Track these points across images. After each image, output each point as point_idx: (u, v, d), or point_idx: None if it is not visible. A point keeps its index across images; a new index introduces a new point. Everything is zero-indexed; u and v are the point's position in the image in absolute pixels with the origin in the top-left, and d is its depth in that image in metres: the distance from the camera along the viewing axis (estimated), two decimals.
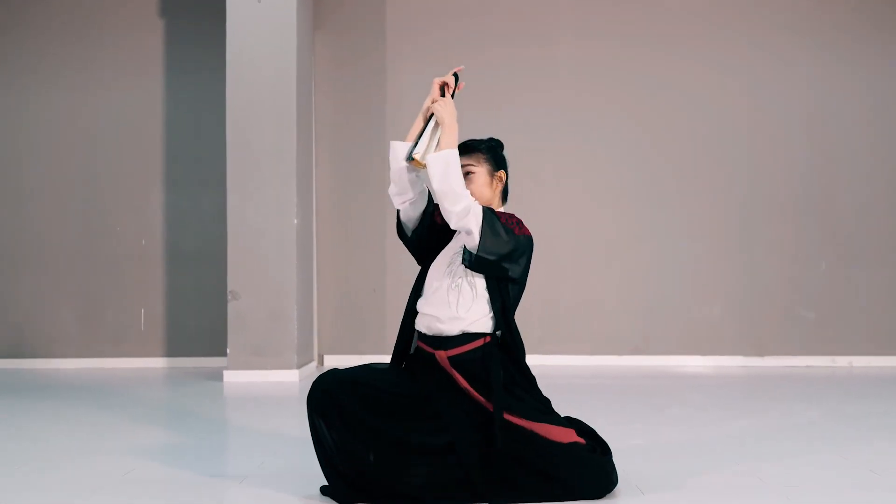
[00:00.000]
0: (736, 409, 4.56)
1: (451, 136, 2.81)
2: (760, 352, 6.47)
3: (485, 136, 3.14)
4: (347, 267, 6.66)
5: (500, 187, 3.02)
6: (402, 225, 2.98)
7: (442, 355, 2.77)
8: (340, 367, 2.85)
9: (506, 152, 3.14)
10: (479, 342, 2.76)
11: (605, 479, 2.70)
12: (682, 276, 6.54)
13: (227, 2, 5.81)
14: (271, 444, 3.69)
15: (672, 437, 3.75)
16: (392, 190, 2.91)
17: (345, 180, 6.68)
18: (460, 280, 2.79)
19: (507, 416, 2.68)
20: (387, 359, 6.36)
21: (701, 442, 3.63)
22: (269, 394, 5.21)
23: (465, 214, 2.71)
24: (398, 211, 2.95)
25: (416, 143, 2.85)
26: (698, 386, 5.46)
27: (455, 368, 2.75)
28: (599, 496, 2.69)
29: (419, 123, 2.92)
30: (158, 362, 6.58)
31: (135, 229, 6.66)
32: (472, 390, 2.72)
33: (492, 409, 2.67)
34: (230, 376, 5.73)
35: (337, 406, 2.68)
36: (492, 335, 2.78)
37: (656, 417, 4.31)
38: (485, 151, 2.99)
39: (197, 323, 6.59)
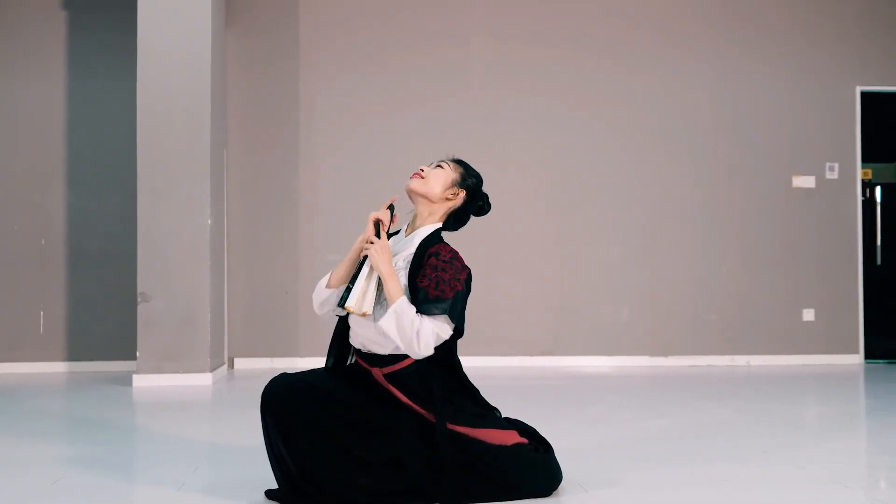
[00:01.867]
0: (652, 409, 4.77)
1: (392, 284, 2.70)
2: (665, 352, 6.75)
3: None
4: (258, 269, 6.62)
5: (449, 204, 2.95)
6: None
7: (377, 372, 2.78)
8: (288, 371, 2.87)
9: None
10: (412, 359, 2.74)
11: (551, 476, 2.81)
12: (592, 279, 6.76)
13: None
14: (200, 450, 3.66)
15: (600, 436, 3.90)
16: (314, 304, 2.91)
17: (256, 182, 6.64)
18: (385, 302, 2.72)
19: (449, 426, 2.72)
20: (302, 362, 6.38)
21: (628, 440, 3.80)
22: (183, 398, 5.14)
23: (426, 347, 2.66)
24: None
25: (349, 289, 2.72)
26: (611, 386, 5.67)
27: (392, 384, 2.76)
28: (547, 494, 2.79)
29: (349, 262, 2.86)
30: (59, 367, 6.39)
31: (33, 229, 6.45)
32: (411, 404, 2.76)
33: (433, 421, 2.72)
34: (140, 380, 5.61)
35: (289, 409, 2.70)
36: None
37: (578, 417, 4.47)
38: (463, 167, 3.01)
39: (101, 326, 6.43)
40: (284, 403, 2.71)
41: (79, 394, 5.40)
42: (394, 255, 2.87)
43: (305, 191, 6.65)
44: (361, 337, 2.80)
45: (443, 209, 2.95)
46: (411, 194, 2.93)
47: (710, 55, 6.91)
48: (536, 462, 2.80)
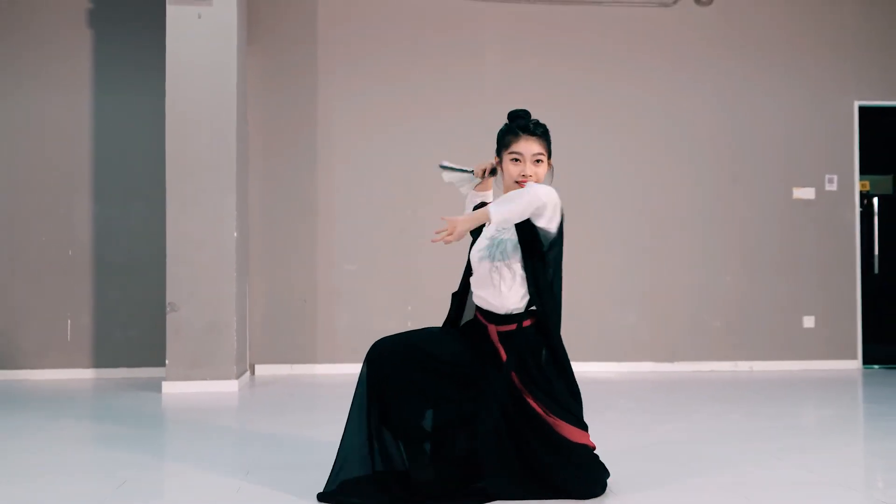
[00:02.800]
0: (666, 413, 5.08)
1: (479, 215, 3.04)
2: (670, 358, 7.07)
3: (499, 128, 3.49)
4: (277, 278, 6.90)
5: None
6: None
7: (493, 329, 3.15)
8: (392, 334, 3.22)
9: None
10: (526, 322, 3.11)
11: (596, 484, 3.07)
12: (598, 285, 7.08)
13: (167, 15, 5.97)
14: (244, 451, 3.95)
15: (621, 441, 4.21)
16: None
17: (276, 193, 6.92)
18: (499, 263, 3.14)
19: (527, 399, 3.03)
20: (319, 368, 6.67)
21: (648, 444, 4.11)
22: (212, 404, 5.42)
23: (530, 206, 3.03)
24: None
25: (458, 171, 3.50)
26: (621, 391, 5.98)
27: (502, 343, 3.11)
28: (585, 497, 3.08)
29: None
30: (85, 373, 6.66)
31: (61, 239, 6.72)
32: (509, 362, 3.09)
33: (523, 389, 3.03)
34: (169, 387, 5.90)
35: (392, 371, 3.03)
36: (537, 317, 3.12)
37: (596, 422, 4.78)
38: (548, 140, 3.34)
39: (126, 333, 6.70)
40: (388, 365, 3.03)
41: (114, 400, 5.68)
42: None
43: (323, 201, 6.94)
44: (481, 298, 3.18)
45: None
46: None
47: (714, 70, 7.24)
48: (592, 466, 3.07)
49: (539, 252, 3.12)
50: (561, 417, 3.05)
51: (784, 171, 7.25)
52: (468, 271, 3.31)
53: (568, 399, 3.12)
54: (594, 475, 3.09)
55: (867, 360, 7.29)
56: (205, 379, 5.94)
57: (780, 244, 7.24)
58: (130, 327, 6.70)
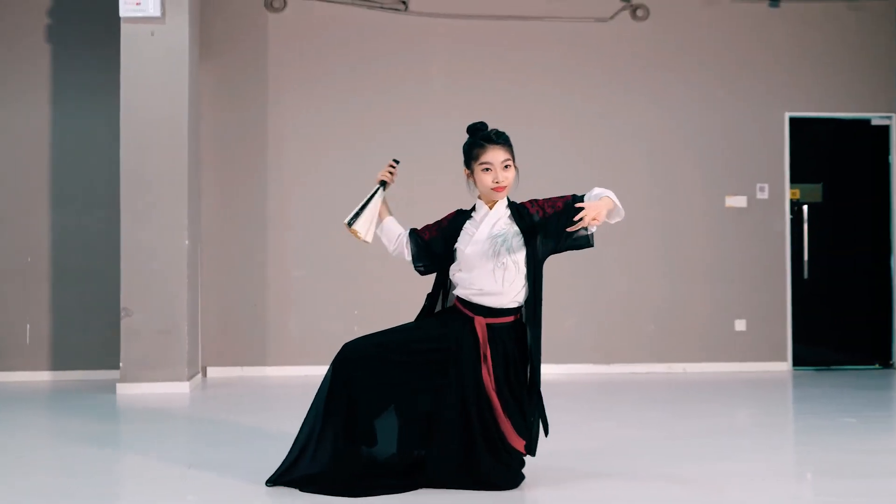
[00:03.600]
0: (603, 413, 5.50)
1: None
2: (607, 360, 7.50)
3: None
4: (229, 284, 7.28)
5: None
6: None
7: (481, 321, 3.53)
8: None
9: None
10: (511, 318, 3.55)
11: (516, 479, 3.50)
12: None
13: (121, 32, 6.34)
14: (189, 448, 4.34)
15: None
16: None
17: (229, 204, 7.30)
18: (506, 259, 3.54)
19: (492, 395, 3.45)
20: (270, 371, 7.04)
21: (582, 441, 4.51)
22: (165, 404, 5.80)
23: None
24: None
25: (359, 214, 3.89)
26: (560, 391, 6.39)
27: (489, 334, 3.51)
28: (506, 488, 3.46)
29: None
30: (43, 375, 7.02)
31: (20, 246, 7.07)
32: (488, 356, 3.48)
33: (490, 385, 3.45)
34: (122, 388, 6.26)
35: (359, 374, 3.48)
36: (520, 314, 3.58)
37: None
38: (511, 145, 3.74)
39: (83, 337, 7.06)
40: (352, 368, 3.48)
41: (69, 401, 6.04)
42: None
43: (273, 211, 7.32)
44: (476, 292, 3.54)
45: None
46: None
47: (650, 83, 7.66)
48: (517, 467, 3.51)
49: (538, 249, 3.61)
50: (511, 421, 3.46)
51: (717, 180, 7.68)
52: (444, 272, 3.67)
53: (525, 398, 3.53)
54: (515, 473, 3.50)
55: (797, 362, 7.73)
56: (157, 381, 6.31)
57: (714, 251, 7.67)
58: (87, 331, 7.05)
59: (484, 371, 3.47)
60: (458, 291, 3.62)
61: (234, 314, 7.28)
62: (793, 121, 7.80)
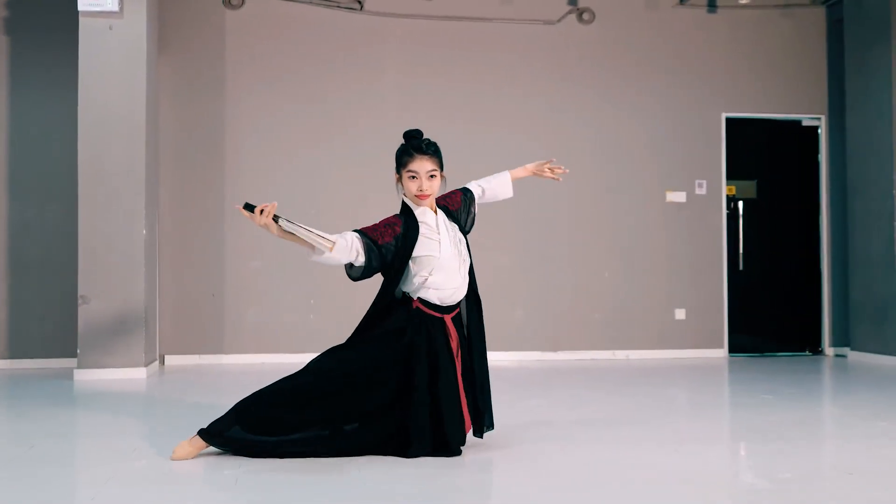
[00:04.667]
0: (533, 393, 5.62)
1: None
2: (554, 347, 7.63)
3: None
4: (187, 273, 7.27)
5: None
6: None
7: (447, 318, 3.69)
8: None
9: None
10: (458, 309, 3.79)
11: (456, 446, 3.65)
12: (490, 283, 7.59)
13: (80, 26, 6.32)
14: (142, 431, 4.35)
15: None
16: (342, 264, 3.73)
17: (187, 195, 7.29)
18: (466, 257, 3.77)
19: (458, 376, 3.66)
20: (227, 359, 7.04)
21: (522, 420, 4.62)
22: (122, 388, 5.78)
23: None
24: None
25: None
26: (508, 377, 6.50)
27: (454, 326, 3.71)
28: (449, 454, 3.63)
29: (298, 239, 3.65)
30: (0, 364, 6.94)
31: None
32: (454, 346, 3.67)
33: (458, 370, 3.65)
34: (80, 374, 6.23)
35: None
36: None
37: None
38: (440, 156, 3.81)
39: (40, 327, 6.99)
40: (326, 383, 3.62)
41: (26, 387, 5.99)
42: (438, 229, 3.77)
43: (231, 202, 7.33)
44: (448, 291, 3.70)
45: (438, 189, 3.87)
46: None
47: (595, 83, 7.82)
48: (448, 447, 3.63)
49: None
50: (466, 399, 3.68)
51: (658, 176, 7.86)
52: (398, 274, 3.70)
53: (478, 374, 3.76)
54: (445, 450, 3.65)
55: (733, 349, 7.94)
56: (115, 367, 6.29)
57: (655, 243, 7.85)
58: (45, 320, 7.00)
59: (458, 364, 3.67)
60: (425, 294, 3.68)
61: (192, 304, 7.27)
62: (729, 121, 8.02)
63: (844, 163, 8.01)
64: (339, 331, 7.52)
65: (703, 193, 7.93)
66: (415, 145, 3.74)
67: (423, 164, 3.71)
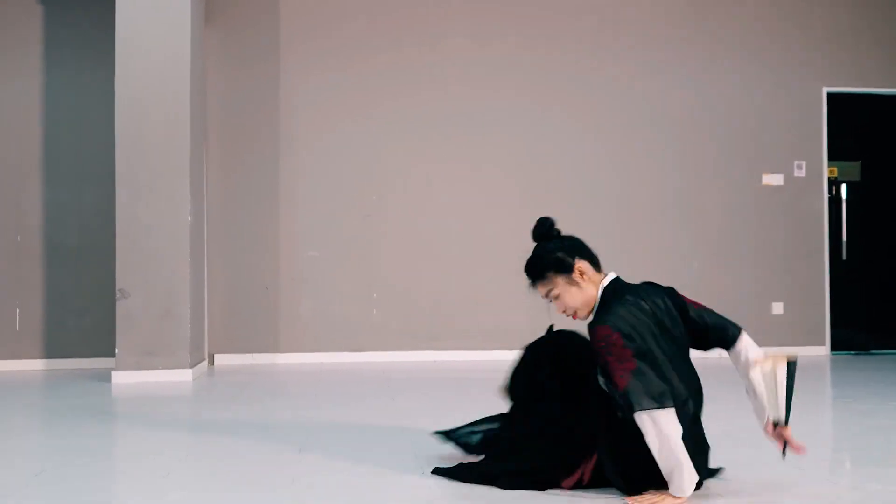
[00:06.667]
0: None
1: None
2: None
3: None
4: (238, 265, 6.37)
5: (582, 276, 2.70)
6: None
7: None
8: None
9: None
10: None
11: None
12: None
13: None
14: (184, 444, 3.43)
15: None
16: None
17: (236, 177, 6.39)
18: None
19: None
20: (281, 358, 6.14)
21: None
22: (165, 393, 4.89)
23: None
24: None
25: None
26: None
27: None
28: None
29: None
30: (36, 364, 6.10)
31: (9, 224, 6.15)
32: None
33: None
34: (119, 377, 5.36)
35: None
36: None
37: None
38: (543, 276, 2.73)
39: (78, 322, 6.14)
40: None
41: (60, 390, 5.13)
42: None
43: (285, 186, 6.42)
44: None
45: (587, 282, 2.73)
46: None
47: (681, 56, 6.79)
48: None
49: None
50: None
51: (753, 158, 6.81)
52: None
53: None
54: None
55: (835, 347, 6.87)
56: (157, 368, 5.40)
57: (749, 231, 6.80)
58: (83, 315, 6.14)
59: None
60: None
61: (242, 298, 6.37)
62: (831, 96, 6.93)
63: None
64: (404, 326, 6.65)
65: (803, 176, 6.86)
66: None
67: (538, 292, 2.78)
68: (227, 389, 5.14)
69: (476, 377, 5.59)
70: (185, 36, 5.51)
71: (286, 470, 2.97)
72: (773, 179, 6.81)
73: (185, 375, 5.43)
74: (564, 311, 2.73)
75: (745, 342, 2.78)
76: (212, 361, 6.30)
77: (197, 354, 5.70)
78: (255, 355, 6.33)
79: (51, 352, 6.12)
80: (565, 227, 6.76)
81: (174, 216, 5.46)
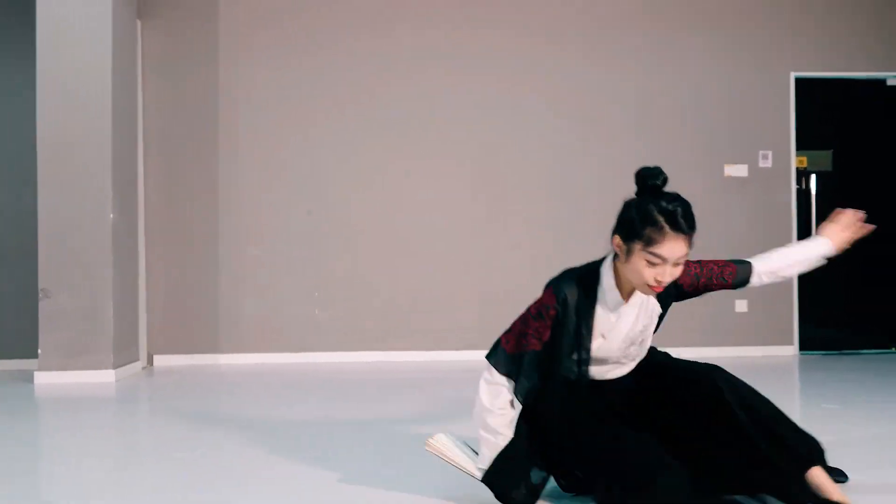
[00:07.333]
0: None
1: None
2: None
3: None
4: (178, 264, 6.18)
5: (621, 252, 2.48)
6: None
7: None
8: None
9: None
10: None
11: None
12: (519, 272, 6.31)
13: None
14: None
15: None
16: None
17: (176, 176, 6.20)
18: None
19: None
20: (223, 359, 5.94)
21: None
22: (87, 394, 4.72)
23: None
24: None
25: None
26: None
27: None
28: None
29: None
30: None
31: None
32: None
33: None
34: (42, 378, 5.20)
35: None
36: None
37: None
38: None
39: (2, 322, 5.99)
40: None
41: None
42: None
43: (225, 181, 6.21)
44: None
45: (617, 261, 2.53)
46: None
47: (640, 40, 6.45)
48: None
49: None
50: None
51: (715, 148, 6.44)
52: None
53: None
54: None
55: (804, 346, 6.48)
56: (80, 369, 5.23)
57: (711, 225, 6.40)
58: (4, 316, 5.99)
59: None
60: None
61: (182, 297, 6.18)
62: (799, 81, 6.53)
63: None
64: (347, 327, 6.40)
65: (769, 166, 6.48)
66: (670, 217, 2.36)
67: (674, 248, 2.35)
68: (150, 391, 4.97)
69: (421, 378, 5.37)
70: (107, 27, 5.33)
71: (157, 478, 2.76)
72: (737, 171, 6.44)
73: (108, 377, 5.26)
74: (663, 283, 2.39)
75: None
76: (151, 362, 6.12)
77: (126, 355, 5.52)
78: (195, 356, 6.14)
79: None
80: (527, 221, 6.43)
81: (97, 215, 5.29)
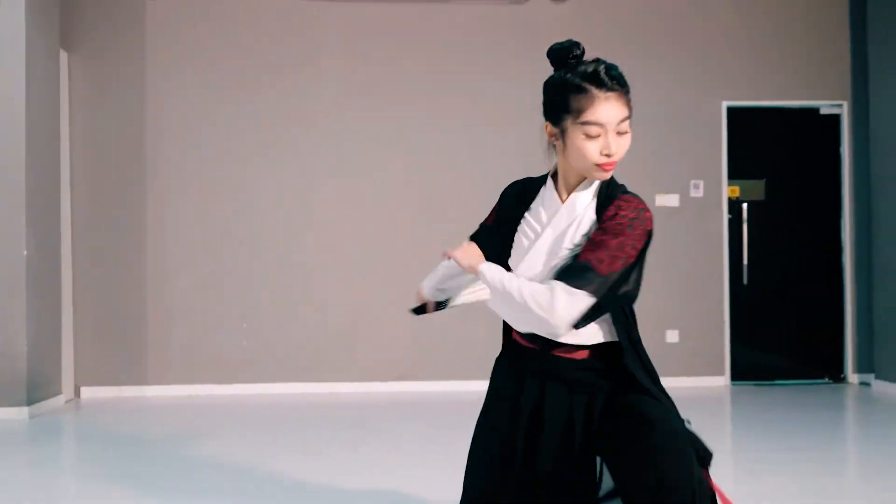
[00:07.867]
0: None
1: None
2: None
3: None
4: (105, 294, 6.10)
5: (555, 145, 2.21)
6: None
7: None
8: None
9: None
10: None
11: None
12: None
13: None
14: None
15: None
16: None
17: (104, 207, 6.13)
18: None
19: None
20: (150, 390, 5.85)
21: None
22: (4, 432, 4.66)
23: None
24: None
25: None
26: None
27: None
28: None
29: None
30: None
31: None
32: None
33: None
34: None
35: None
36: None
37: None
38: (630, 93, 2.20)
39: None
40: None
41: None
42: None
43: (153, 215, 6.14)
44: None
45: (558, 157, 2.23)
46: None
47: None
48: None
49: None
50: None
51: (646, 177, 6.35)
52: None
53: None
54: None
55: (735, 377, 6.41)
56: None
57: None
58: None
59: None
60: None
61: (110, 329, 6.10)
62: (731, 110, 6.48)
63: (869, 157, 6.39)
64: (275, 358, 6.31)
65: (700, 196, 6.42)
66: (591, 75, 2.07)
67: (610, 109, 2.06)
68: (58, 431, 4.89)
69: (347, 412, 5.30)
70: (20, 58, 5.24)
71: None
72: (668, 200, 6.38)
73: (21, 414, 5.18)
74: (611, 156, 2.08)
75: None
76: (78, 394, 6.05)
77: (44, 391, 5.45)
78: (123, 388, 6.07)
79: None
80: (446, 241, 6.07)
81: (9, 251, 5.22)
